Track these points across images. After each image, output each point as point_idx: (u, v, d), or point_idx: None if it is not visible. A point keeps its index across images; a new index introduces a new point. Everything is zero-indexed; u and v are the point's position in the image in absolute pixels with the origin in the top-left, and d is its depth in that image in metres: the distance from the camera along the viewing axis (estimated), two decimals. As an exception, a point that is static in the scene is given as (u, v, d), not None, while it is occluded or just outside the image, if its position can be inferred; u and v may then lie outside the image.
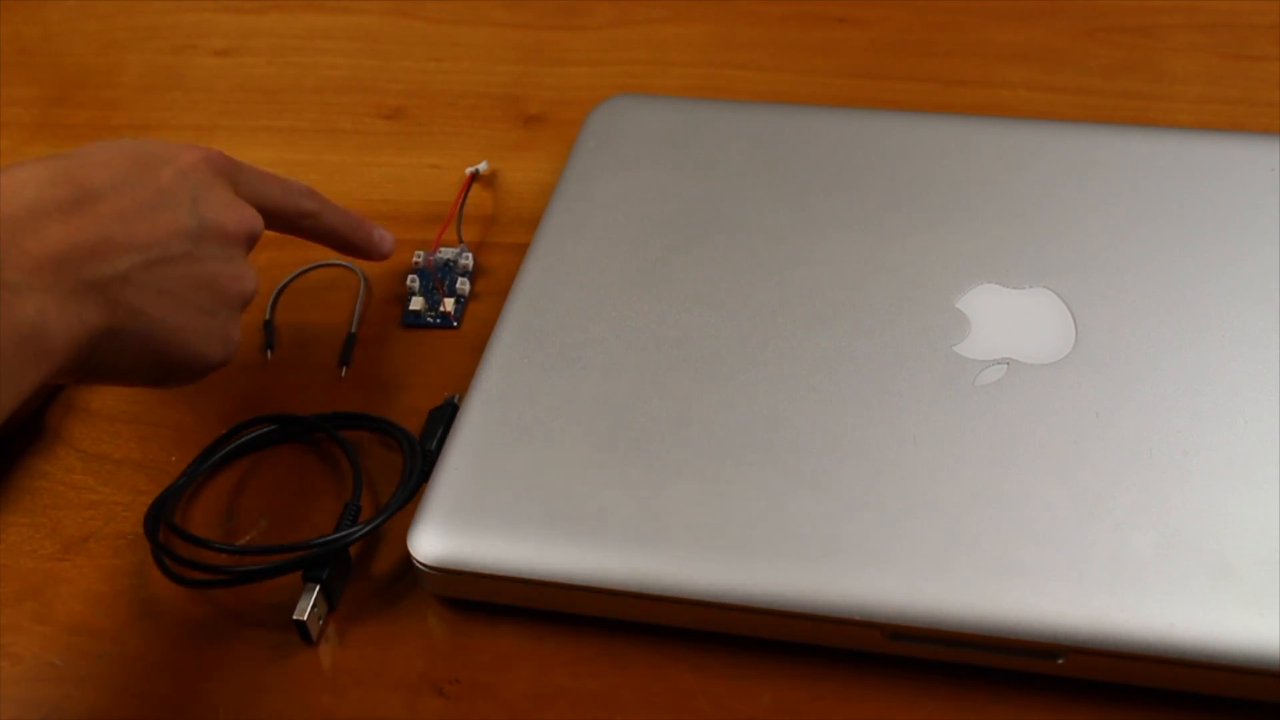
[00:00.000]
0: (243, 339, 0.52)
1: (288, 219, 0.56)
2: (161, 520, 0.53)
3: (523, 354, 0.55)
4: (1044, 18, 0.75)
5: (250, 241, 0.53)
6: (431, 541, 0.50)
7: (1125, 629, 0.45)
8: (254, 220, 0.53)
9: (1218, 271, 0.55)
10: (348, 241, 0.59)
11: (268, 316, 0.63)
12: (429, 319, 0.62)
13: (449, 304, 0.62)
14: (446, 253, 0.64)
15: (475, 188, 0.68)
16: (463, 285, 0.63)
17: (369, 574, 0.53)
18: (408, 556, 0.50)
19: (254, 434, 0.57)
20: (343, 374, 0.60)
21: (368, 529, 0.51)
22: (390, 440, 0.57)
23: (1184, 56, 0.72)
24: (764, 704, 0.48)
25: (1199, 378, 0.51)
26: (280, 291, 0.64)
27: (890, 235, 0.58)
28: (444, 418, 0.56)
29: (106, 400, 0.60)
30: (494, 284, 0.63)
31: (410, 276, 0.63)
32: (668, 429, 0.52)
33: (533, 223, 0.62)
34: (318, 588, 0.50)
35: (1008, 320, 0.54)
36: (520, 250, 0.60)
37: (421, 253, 0.64)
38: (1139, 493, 0.48)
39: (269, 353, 0.61)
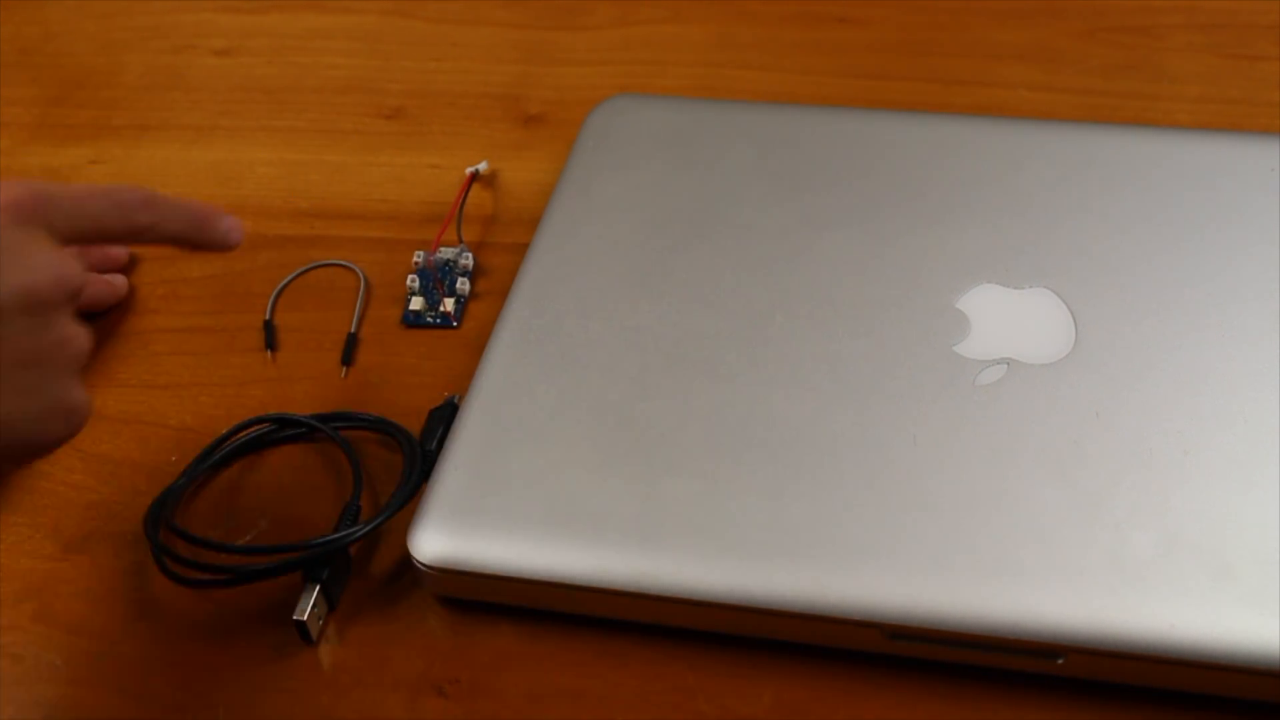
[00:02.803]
0: (90, 400, 0.47)
1: (121, 238, 0.51)
2: (161, 520, 0.53)
3: (523, 354, 0.55)
4: (1044, 18, 0.75)
5: (71, 297, 0.46)
6: (431, 541, 0.50)
7: (1125, 629, 0.45)
8: (70, 273, 0.46)
9: (1218, 271, 0.55)
10: (194, 243, 0.53)
11: (268, 316, 0.63)
12: (429, 319, 0.62)
13: (449, 304, 0.62)
14: (446, 253, 0.64)
15: (475, 188, 0.68)
16: (463, 285, 0.63)
17: (369, 574, 0.53)
18: (408, 556, 0.50)
19: (254, 434, 0.57)
20: (343, 374, 0.60)
21: (368, 529, 0.51)
22: (390, 440, 0.57)
23: (1184, 56, 0.72)
24: (764, 704, 0.48)
25: (1199, 378, 0.51)
26: (280, 291, 0.64)
27: (890, 235, 0.58)
28: (444, 418, 0.56)
29: (106, 400, 0.60)
30: (494, 284, 0.63)
31: (410, 276, 0.63)
32: (668, 429, 0.52)
33: (533, 223, 0.62)
34: (318, 588, 0.50)
35: (1008, 320, 0.54)
36: (520, 250, 0.60)
37: (421, 253, 0.64)
38: (1139, 493, 0.48)
39: (269, 353, 0.61)
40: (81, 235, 0.48)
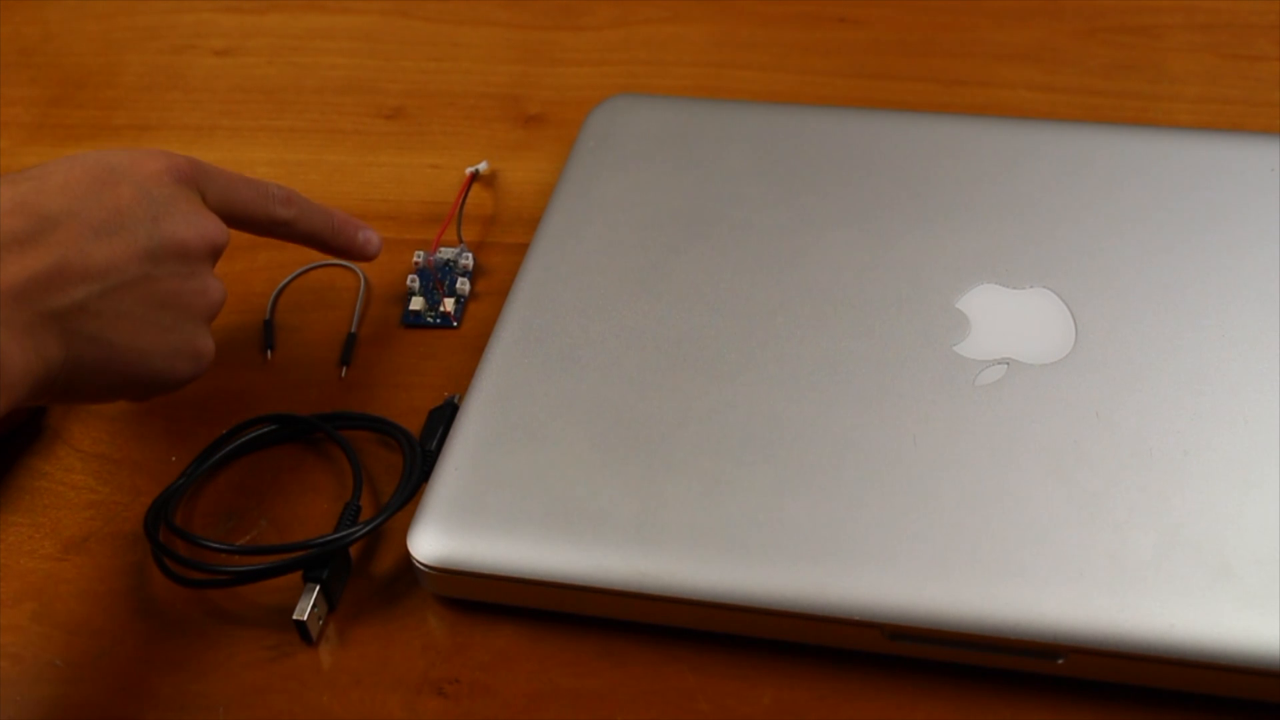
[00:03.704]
0: (214, 348, 0.52)
1: (261, 226, 0.56)
2: (161, 520, 0.53)
3: (523, 354, 0.55)
4: (1044, 18, 0.75)
5: (214, 254, 0.52)
6: (431, 541, 0.50)
7: (1125, 629, 0.45)
8: (217, 233, 0.52)
9: (1217, 271, 0.55)
10: (328, 246, 0.59)
11: (268, 316, 0.63)
12: (429, 319, 0.62)
13: (449, 304, 0.62)
14: (446, 253, 0.64)
15: (475, 188, 0.68)
16: (463, 285, 0.63)
17: (369, 574, 0.53)
18: (408, 556, 0.50)
19: (254, 434, 0.57)
20: (343, 374, 0.60)
21: (368, 529, 0.52)
22: (390, 440, 0.57)
23: (1184, 56, 0.72)
24: (764, 704, 0.48)
25: (1199, 378, 0.51)
26: (280, 291, 0.64)
27: (890, 235, 0.58)
28: (444, 418, 0.56)
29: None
30: (494, 284, 0.63)
31: (410, 276, 0.63)
32: (668, 429, 0.52)
33: (533, 223, 0.62)
34: (318, 588, 0.50)
35: (1008, 320, 0.54)
36: (520, 250, 0.60)
37: (421, 253, 0.64)
38: (1139, 493, 0.48)
39: (269, 353, 0.61)
40: (227, 212, 0.53)
